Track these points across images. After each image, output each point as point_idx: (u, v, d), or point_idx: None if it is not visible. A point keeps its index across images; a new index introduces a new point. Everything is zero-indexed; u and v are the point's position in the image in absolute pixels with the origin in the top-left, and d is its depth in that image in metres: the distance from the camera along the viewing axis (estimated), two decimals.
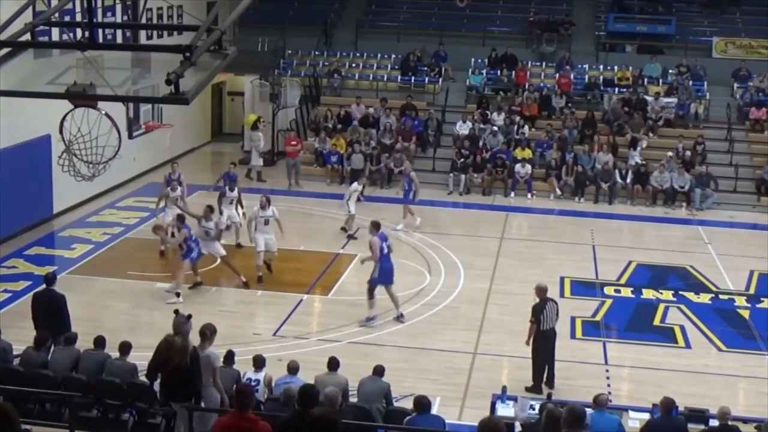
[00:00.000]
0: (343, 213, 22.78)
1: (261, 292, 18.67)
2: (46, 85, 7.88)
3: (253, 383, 12.06)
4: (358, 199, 23.33)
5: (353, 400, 11.98)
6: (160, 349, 10.79)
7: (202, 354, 11.22)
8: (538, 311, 14.52)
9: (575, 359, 15.93)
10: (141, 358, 12.73)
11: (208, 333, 11.60)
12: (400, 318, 17.30)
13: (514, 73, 31.83)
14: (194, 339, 11.29)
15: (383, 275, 17.11)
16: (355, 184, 23.24)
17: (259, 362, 12.53)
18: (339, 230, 22.66)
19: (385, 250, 17.14)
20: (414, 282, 19.43)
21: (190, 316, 11.19)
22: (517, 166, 27.60)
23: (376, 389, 11.99)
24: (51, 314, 13.81)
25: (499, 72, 32.00)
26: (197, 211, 19.28)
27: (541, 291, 14.82)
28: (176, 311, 11.53)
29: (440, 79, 31.86)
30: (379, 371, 12.27)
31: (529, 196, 27.29)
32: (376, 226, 17.46)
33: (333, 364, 12.32)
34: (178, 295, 17.89)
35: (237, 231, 21.43)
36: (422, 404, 10.99)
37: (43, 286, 14.30)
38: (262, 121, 29.30)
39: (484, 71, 32.25)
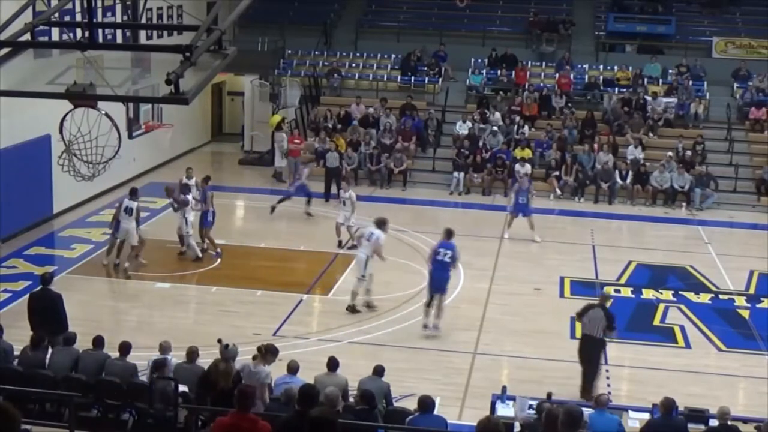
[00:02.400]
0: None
1: (261, 291, 18.67)
2: (46, 85, 7.89)
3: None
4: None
5: (353, 400, 11.97)
6: (209, 372, 11.66)
7: (254, 369, 11.81)
8: (580, 313, 14.45)
9: (575, 359, 15.90)
10: (141, 358, 12.77)
11: (263, 350, 12.07)
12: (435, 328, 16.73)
13: (514, 73, 31.84)
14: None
15: (433, 283, 16.71)
16: (341, 191, 22.38)
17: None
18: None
19: (440, 257, 16.54)
20: (414, 282, 19.38)
21: (234, 346, 11.89)
22: (517, 165, 27.60)
23: (375, 389, 11.98)
24: (47, 314, 13.82)
25: (498, 72, 32.01)
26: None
27: (603, 298, 14.84)
28: (219, 340, 12.07)
29: (440, 79, 31.85)
30: (378, 371, 12.27)
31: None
32: (447, 233, 16.96)
33: (332, 365, 12.32)
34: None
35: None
36: (425, 404, 10.97)
37: (40, 286, 14.30)
38: (286, 122, 29.34)
39: (484, 71, 32.25)
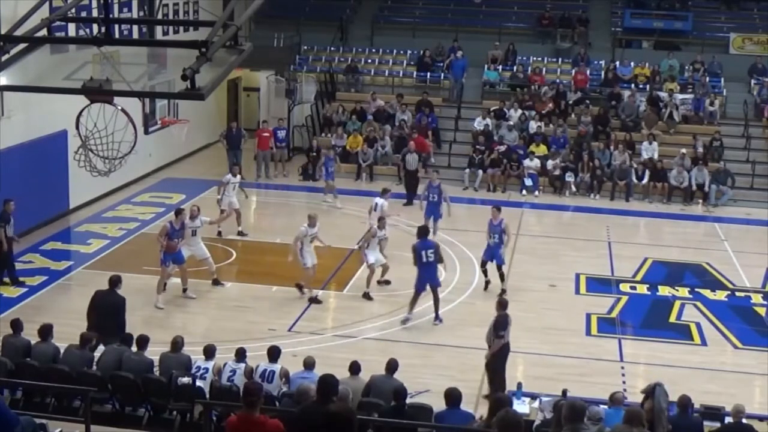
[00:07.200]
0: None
1: (276, 287, 18.68)
2: (62, 81, 7.91)
3: (266, 376, 12.09)
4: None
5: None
6: None
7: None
8: None
9: (590, 356, 15.90)
10: (155, 354, 12.79)
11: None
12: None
13: (529, 69, 31.76)
14: None
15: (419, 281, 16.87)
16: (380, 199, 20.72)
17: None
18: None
19: (424, 259, 16.73)
20: None
21: None
22: (526, 161, 27.53)
23: (388, 388, 11.87)
24: (108, 316, 13.98)
25: (515, 68, 31.90)
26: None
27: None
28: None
29: None
30: (392, 368, 12.18)
31: (536, 193, 27.19)
32: (421, 231, 17.36)
33: (355, 368, 12.23)
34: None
35: None
36: (453, 397, 10.87)
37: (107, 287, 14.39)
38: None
39: (500, 67, 32.15)
